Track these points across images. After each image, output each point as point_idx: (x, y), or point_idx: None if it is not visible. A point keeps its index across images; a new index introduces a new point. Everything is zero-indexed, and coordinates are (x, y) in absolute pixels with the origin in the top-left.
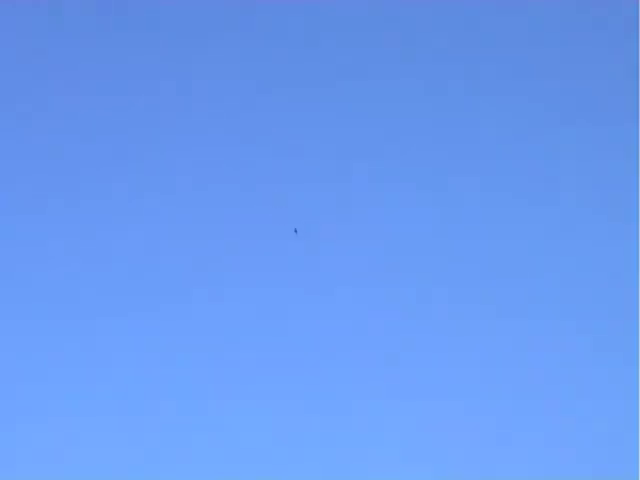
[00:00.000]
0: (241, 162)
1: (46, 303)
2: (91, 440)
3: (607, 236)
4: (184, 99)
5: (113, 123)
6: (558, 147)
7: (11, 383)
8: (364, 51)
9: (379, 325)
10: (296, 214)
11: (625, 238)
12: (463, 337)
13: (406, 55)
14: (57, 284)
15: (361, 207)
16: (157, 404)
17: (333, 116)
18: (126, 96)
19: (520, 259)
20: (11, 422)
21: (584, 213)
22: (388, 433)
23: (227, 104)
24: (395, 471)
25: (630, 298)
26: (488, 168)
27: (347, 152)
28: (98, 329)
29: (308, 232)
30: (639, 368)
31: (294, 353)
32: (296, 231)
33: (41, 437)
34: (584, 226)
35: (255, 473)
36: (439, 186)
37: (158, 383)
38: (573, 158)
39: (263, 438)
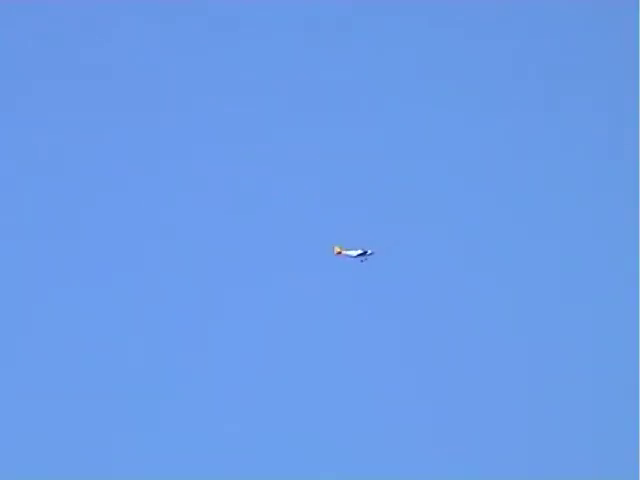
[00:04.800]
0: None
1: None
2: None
3: (608, 236)
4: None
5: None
6: (558, 146)
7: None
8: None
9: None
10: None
11: (625, 239)
12: (463, 336)
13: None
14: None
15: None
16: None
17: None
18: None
19: (519, 261)
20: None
21: (584, 213)
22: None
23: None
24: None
25: (630, 298)
26: (487, 169)
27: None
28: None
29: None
30: (639, 368)
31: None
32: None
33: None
34: (584, 225)
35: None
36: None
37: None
38: (573, 157)
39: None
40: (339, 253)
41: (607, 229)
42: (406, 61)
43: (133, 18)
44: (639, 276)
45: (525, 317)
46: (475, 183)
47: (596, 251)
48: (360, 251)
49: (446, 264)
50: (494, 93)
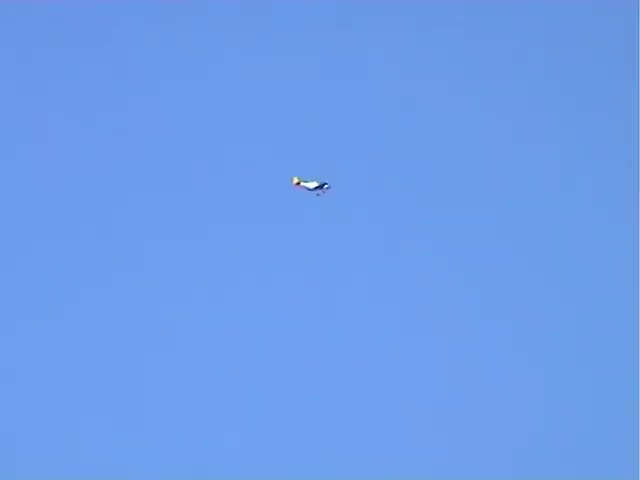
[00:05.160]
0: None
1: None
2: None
3: (608, 235)
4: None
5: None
6: (557, 147)
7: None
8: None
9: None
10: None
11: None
12: (462, 339)
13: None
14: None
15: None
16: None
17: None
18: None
19: (519, 261)
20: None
21: (584, 213)
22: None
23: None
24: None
25: (630, 297)
26: (487, 168)
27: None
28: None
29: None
30: (639, 369)
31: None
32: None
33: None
34: (584, 226)
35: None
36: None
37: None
38: (572, 157)
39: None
40: (297, 184)
41: (607, 231)
42: (405, 62)
43: (132, 18)
44: (639, 278)
45: (524, 317)
46: (472, 180)
47: (595, 252)
48: (317, 183)
49: (443, 263)
50: (493, 93)
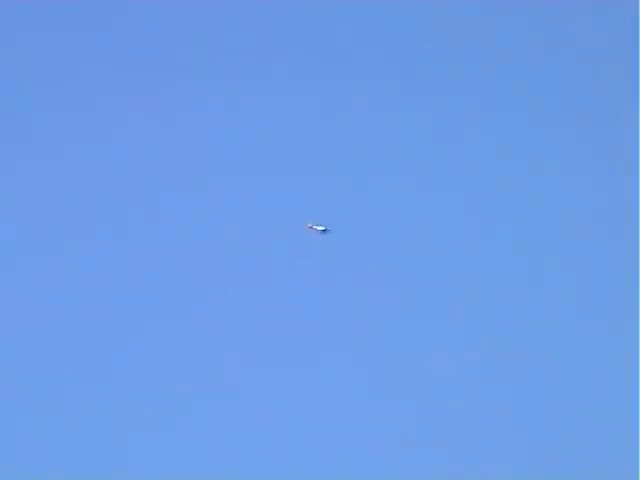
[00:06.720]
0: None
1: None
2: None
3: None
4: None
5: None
6: (557, 147)
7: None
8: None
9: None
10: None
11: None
12: (461, 339)
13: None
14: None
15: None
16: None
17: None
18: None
19: (520, 268)
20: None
21: (583, 216)
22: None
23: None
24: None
25: (629, 297)
26: (485, 167)
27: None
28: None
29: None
30: (639, 368)
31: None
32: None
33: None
34: (584, 230)
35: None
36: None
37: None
38: (572, 158)
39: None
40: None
41: (606, 231)
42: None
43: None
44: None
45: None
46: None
47: (595, 251)
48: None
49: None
50: (491, 91)
